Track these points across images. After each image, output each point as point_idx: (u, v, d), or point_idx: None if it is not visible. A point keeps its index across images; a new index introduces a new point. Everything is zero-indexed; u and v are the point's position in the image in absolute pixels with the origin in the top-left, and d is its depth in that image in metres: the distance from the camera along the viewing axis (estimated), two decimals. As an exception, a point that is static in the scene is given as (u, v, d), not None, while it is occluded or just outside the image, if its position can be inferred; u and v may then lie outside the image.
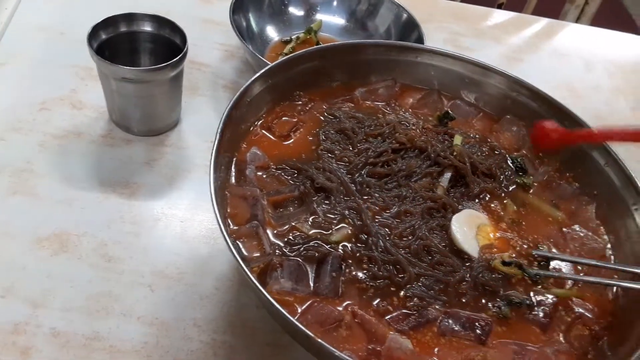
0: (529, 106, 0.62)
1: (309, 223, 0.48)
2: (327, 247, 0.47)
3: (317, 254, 0.46)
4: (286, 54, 0.82)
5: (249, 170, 0.51)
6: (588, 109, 0.67)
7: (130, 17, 0.65)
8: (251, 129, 0.56)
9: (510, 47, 0.96)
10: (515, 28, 1.00)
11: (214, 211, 0.42)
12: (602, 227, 0.55)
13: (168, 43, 0.66)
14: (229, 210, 0.48)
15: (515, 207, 0.55)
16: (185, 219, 0.60)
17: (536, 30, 1.01)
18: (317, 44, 0.84)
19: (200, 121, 0.71)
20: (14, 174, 0.60)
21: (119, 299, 0.51)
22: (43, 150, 0.63)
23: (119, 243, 0.56)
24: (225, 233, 0.40)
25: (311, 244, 0.47)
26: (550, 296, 0.49)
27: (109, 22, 0.64)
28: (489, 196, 0.55)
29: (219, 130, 0.48)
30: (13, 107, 0.67)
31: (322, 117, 0.59)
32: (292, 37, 0.84)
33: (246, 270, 0.39)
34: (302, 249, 0.46)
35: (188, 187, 0.63)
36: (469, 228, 0.51)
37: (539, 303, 0.48)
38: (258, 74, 0.53)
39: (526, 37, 0.99)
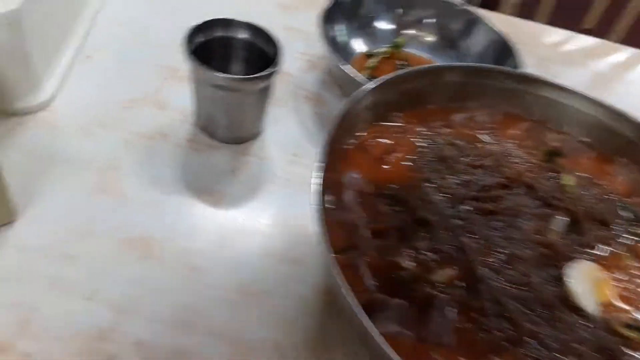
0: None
1: (411, 259, 0.45)
2: (431, 289, 0.44)
3: (420, 296, 0.43)
4: (370, 68, 0.80)
5: (347, 195, 0.48)
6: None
7: (227, 23, 0.64)
8: (345, 147, 0.54)
9: (600, 76, 0.90)
10: (602, 54, 0.95)
11: (319, 238, 0.39)
12: None
13: (260, 52, 0.64)
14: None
15: (632, 261, 0.51)
16: (269, 234, 0.58)
17: (625, 59, 0.95)
18: (404, 59, 0.82)
19: (281, 132, 0.70)
20: (101, 171, 0.60)
21: (202, 314, 0.49)
22: (129, 148, 0.63)
23: (203, 253, 0.54)
24: (334, 266, 0.38)
25: (414, 283, 0.44)
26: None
27: (205, 26, 0.63)
28: (603, 247, 0.51)
29: (323, 149, 0.45)
30: (99, 102, 0.67)
31: (418, 142, 0.57)
32: (376, 51, 0.82)
33: (355, 310, 0.36)
34: (405, 287, 0.43)
35: (270, 201, 0.61)
36: (585, 282, 0.47)
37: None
38: (370, 88, 0.51)
39: (613, 66, 0.94)
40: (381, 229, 0.47)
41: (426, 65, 0.60)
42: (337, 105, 0.75)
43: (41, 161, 0.59)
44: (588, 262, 0.48)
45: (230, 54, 0.66)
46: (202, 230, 0.56)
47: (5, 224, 0.52)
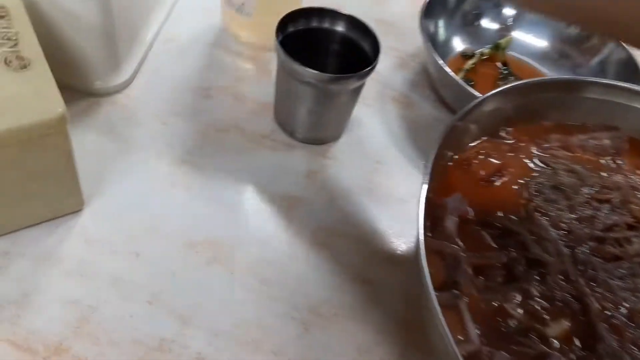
0: None
1: (521, 306, 0.38)
2: (543, 344, 0.36)
3: (532, 352, 0.36)
4: (467, 70, 0.72)
5: (449, 221, 0.42)
6: None
7: (321, 13, 0.58)
8: (449, 164, 0.47)
9: None
10: None
11: (423, 274, 0.33)
12: None
13: (355, 47, 0.58)
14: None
15: None
16: (345, 249, 0.53)
17: None
18: (505, 63, 0.74)
19: (364, 135, 0.64)
20: (173, 163, 0.56)
21: (269, 332, 0.45)
22: (204, 141, 0.59)
23: (274, 264, 0.50)
24: (438, 309, 0.32)
25: (524, 336, 0.37)
26: None
27: (296, 15, 0.58)
28: None
29: (431, 166, 0.39)
30: (176, 89, 0.63)
31: (531, 165, 0.49)
32: (476, 52, 0.74)
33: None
34: (512, 340, 0.36)
35: (349, 211, 0.56)
36: None
37: None
38: (462, 112, 0.44)
39: None
40: (485, 265, 0.40)
41: (558, 77, 0.53)
42: (427, 109, 0.68)
43: (114, 146, 0.56)
44: None
45: (321, 47, 0.60)
46: (275, 239, 0.51)
47: (72, 213, 0.49)
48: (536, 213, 0.45)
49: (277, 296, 0.48)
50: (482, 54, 0.74)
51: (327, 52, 0.61)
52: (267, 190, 0.56)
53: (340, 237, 0.53)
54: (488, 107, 0.48)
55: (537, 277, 0.40)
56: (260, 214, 0.54)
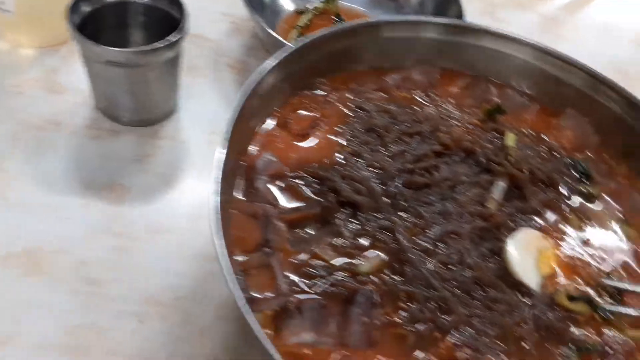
0: (594, 97, 0.53)
1: (334, 249, 0.39)
2: (355, 281, 0.38)
3: (343, 291, 0.37)
4: (301, 27, 0.71)
5: (260, 182, 0.42)
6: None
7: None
8: (261, 125, 0.47)
9: (550, 21, 0.84)
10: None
11: (215, 246, 0.33)
12: (687, 249, 0.46)
13: (164, 16, 0.56)
14: (233, 233, 0.39)
15: (579, 223, 0.46)
16: (184, 230, 0.51)
17: (578, 2, 0.90)
18: (337, 15, 0.74)
19: (200, 108, 0.62)
20: (-19, 173, 0.51)
21: (102, 333, 0.43)
22: (17, 143, 0.54)
23: (103, 262, 0.47)
24: (226, 272, 0.31)
25: (336, 277, 0.38)
26: (625, 339, 0.40)
27: (91, -9, 0.53)
28: (549, 211, 0.46)
29: (228, 133, 0.38)
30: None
31: (347, 111, 0.50)
32: (308, 6, 0.74)
33: (252, 324, 0.30)
34: (324, 284, 0.37)
35: (188, 190, 0.54)
36: (528, 253, 0.42)
37: (612, 348, 0.39)
38: (275, 62, 0.44)
39: (567, 10, 0.88)
40: (300, 217, 0.41)
41: (355, 22, 0.53)
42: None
43: None
44: (530, 231, 0.43)
45: (126, 21, 0.57)
46: (102, 234, 0.49)
47: None
48: (351, 157, 0.46)
49: (108, 294, 0.46)
50: (316, 9, 0.74)
51: (137, 27, 0.58)
52: (93, 184, 0.53)
53: (177, 218, 0.52)
54: (294, 62, 0.47)
55: (353, 219, 0.42)
56: (85, 210, 0.51)
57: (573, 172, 0.50)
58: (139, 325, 0.44)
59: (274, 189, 0.42)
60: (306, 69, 0.49)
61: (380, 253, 0.40)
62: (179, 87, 0.59)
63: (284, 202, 0.42)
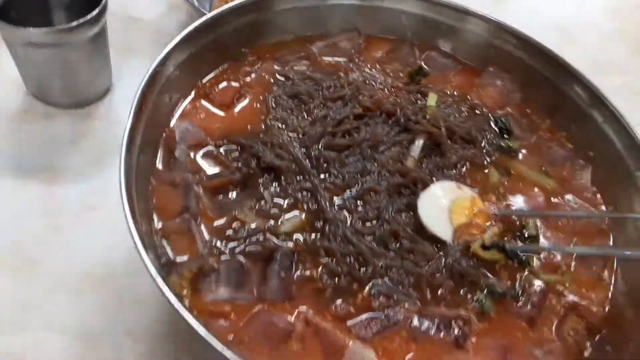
0: (516, 55, 0.54)
1: (254, 212, 0.41)
2: (275, 240, 0.39)
3: (262, 251, 0.39)
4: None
5: (179, 151, 0.43)
6: (583, 56, 0.59)
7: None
8: (184, 98, 0.47)
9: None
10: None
11: (123, 207, 0.34)
12: (599, 196, 0.48)
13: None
14: (154, 201, 0.40)
15: (498, 177, 0.48)
16: (117, 207, 0.52)
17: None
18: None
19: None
20: None
21: (37, 309, 0.44)
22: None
23: (38, 240, 0.48)
24: (135, 235, 0.33)
25: (255, 238, 0.39)
26: (538, 283, 0.42)
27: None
28: (468, 165, 0.48)
29: (135, 104, 0.39)
30: None
31: (272, 80, 0.51)
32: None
33: (162, 288, 0.32)
34: (244, 245, 0.39)
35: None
36: (441, 205, 0.44)
37: (526, 292, 0.42)
38: (182, 35, 0.44)
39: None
40: (221, 184, 0.42)
41: None
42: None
43: None
44: (443, 183, 0.45)
45: (50, 6, 0.56)
46: (36, 214, 0.49)
47: None
48: (275, 123, 0.47)
49: (43, 272, 0.46)
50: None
51: (62, 9, 0.57)
52: (27, 166, 0.53)
53: (110, 195, 0.52)
54: (213, 34, 0.48)
55: (275, 183, 0.43)
56: (19, 192, 0.51)
57: (494, 127, 0.52)
58: (74, 299, 0.45)
59: (196, 158, 0.43)
60: (228, 40, 0.50)
61: (300, 213, 0.42)
62: (109, 66, 0.59)
63: (206, 170, 0.43)
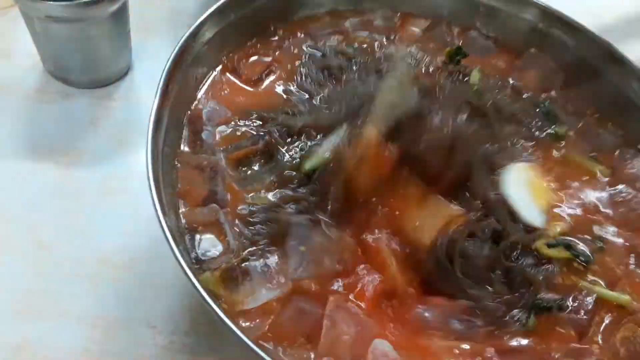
0: (562, 41, 0.51)
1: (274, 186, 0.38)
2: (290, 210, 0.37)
3: (277, 228, 0.36)
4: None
5: (206, 133, 0.41)
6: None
7: None
8: (211, 73, 0.45)
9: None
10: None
11: (152, 198, 0.31)
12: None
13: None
14: (179, 187, 0.37)
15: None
16: (139, 191, 0.49)
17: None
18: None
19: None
20: None
21: (54, 296, 0.43)
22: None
23: (56, 225, 0.46)
24: (167, 232, 0.31)
25: (270, 213, 0.37)
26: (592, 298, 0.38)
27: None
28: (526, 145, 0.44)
29: (162, 82, 0.37)
30: None
31: (302, 54, 0.48)
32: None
33: (204, 295, 0.29)
34: (262, 223, 0.36)
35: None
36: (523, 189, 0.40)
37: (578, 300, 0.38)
38: (212, 9, 0.42)
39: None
40: (243, 154, 0.39)
41: None
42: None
43: None
44: (519, 165, 0.41)
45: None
46: (55, 197, 0.48)
47: None
48: (305, 96, 0.44)
49: (60, 258, 0.45)
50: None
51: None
52: (44, 148, 0.51)
53: (131, 179, 0.50)
54: (246, 6, 0.45)
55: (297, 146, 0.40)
56: (37, 174, 0.49)
57: (540, 112, 0.48)
58: (92, 286, 0.43)
59: (220, 136, 0.40)
60: (258, 14, 0.47)
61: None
62: (129, 46, 0.57)
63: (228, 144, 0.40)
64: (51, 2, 0.47)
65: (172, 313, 0.43)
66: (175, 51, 0.39)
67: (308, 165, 0.38)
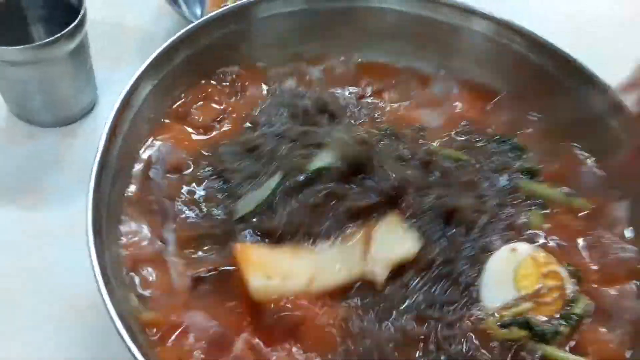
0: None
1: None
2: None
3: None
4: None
5: (154, 171, 0.41)
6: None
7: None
8: (162, 120, 0.45)
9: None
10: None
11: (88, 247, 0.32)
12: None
13: (65, 6, 0.53)
14: (127, 229, 0.37)
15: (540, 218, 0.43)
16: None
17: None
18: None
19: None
20: None
21: (19, 346, 0.42)
22: None
23: (18, 267, 0.46)
24: (100, 283, 0.30)
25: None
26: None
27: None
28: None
29: (106, 131, 0.37)
30: None
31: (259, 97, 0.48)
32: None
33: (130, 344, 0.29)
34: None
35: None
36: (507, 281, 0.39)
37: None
38: (158, 51, 0.42)
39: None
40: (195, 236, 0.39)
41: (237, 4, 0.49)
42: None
43: None
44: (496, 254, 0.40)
45: (26, 18, 0.54)
46: (18, 240, 0.48)
47: None
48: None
49: (26, 305, 0.45)
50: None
51: (39, 22, 0.55)
52: (6, 190, 0.52)
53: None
54: (194, 46, 0.45)
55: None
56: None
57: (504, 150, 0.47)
58: (58, 332, 0.43)
59: (172, 181, 0.41)
60: (206, 56, 0.47)
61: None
62: (92, 81, 0.57)
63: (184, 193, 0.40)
64: (6, 47, 0.48)
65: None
66: (119, 100, 0.39)
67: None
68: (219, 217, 0.39)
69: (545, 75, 0.48)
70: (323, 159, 0.39)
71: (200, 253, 0.38)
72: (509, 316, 0.37)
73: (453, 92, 0.50)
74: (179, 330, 0.34)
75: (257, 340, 0.34)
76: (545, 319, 0.37)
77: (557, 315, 0.37)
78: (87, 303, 0.45)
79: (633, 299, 0.39)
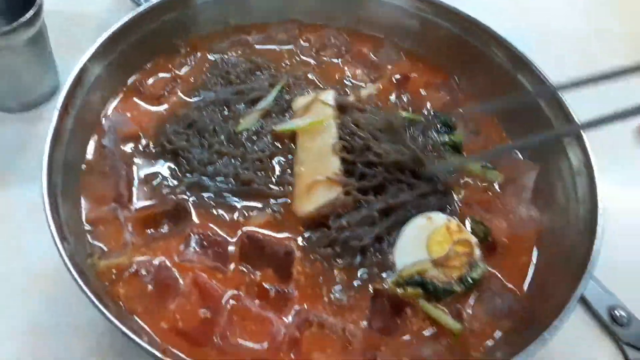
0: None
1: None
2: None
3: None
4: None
5: (107, 139, 0.46)
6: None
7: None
8: (116, 95, 0.49)
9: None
10: None
11: (44, 203, 0.37)
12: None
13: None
14: (87, 193, 0.42)
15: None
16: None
17: None
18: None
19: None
20: None
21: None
22: None
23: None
24: (53, 228, 0.35)
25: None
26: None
27: None
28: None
29: (59, 106, 0.41)
30: None
31: (205, 69, 0.52)
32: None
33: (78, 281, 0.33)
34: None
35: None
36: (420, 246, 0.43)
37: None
38: (111, 30, 0.46)
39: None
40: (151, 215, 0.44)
41: None
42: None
43: None
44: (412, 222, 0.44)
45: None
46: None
47: None
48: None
49: None
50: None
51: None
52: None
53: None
54: (144, 26, 0.49)
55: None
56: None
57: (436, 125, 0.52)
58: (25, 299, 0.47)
59: (125, 149, 0.46)
60: (158, 34, 0.51)
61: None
62: (54, 66, 0.60)
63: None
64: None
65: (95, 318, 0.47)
66: (70, 79, 0.43)
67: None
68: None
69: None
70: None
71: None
72: (407, 276, 0.42)
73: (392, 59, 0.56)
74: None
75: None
76: (447, 280, 0.42)
77: (456, 278, 0.42)
78: (52, 275, 0.49)
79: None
